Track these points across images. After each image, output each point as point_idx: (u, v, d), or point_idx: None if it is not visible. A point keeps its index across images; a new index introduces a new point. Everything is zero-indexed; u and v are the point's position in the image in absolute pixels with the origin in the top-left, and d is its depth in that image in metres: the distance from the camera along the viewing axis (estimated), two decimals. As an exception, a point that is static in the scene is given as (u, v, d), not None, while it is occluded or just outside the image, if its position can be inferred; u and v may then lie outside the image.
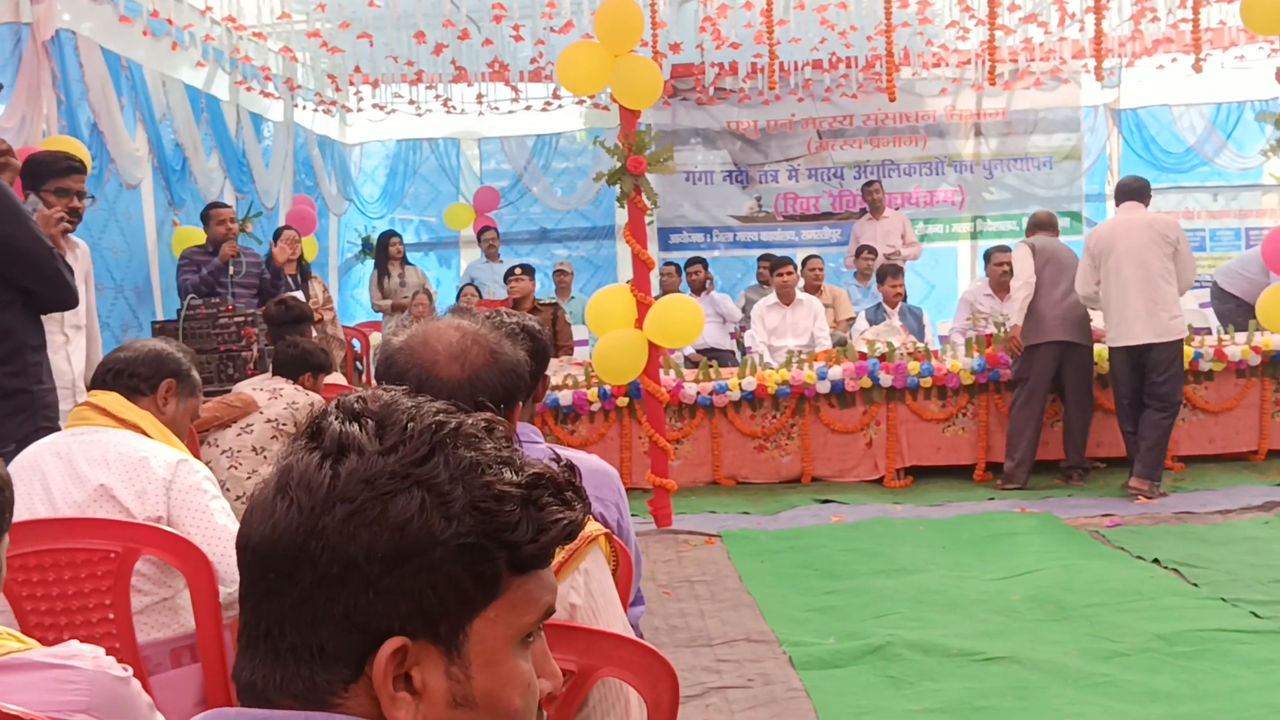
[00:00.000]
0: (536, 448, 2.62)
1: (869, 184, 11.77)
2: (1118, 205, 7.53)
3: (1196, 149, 13.08)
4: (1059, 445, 7.86)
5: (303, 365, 5.50)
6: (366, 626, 0.98)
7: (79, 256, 4.90)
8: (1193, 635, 4.64)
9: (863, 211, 12.06)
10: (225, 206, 7.86)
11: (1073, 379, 7.65)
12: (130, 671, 1.73)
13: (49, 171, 4.66)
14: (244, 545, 1.03)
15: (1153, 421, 7.22)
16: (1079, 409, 7.67)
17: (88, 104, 7.50)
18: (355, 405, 1.05)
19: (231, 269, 7.29)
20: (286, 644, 1.00)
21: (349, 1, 9.33)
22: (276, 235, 8.20)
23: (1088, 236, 7.52)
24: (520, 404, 2.05)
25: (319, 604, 0.98)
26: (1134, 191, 7.44)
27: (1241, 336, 7.94)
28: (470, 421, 1.05)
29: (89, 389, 2.98)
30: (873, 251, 10.92)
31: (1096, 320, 7.79)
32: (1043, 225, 7.97)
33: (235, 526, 2.74)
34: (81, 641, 1.80)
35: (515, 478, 1.02)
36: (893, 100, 8.61)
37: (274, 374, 5.54)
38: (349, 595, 0.97)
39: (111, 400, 2.90)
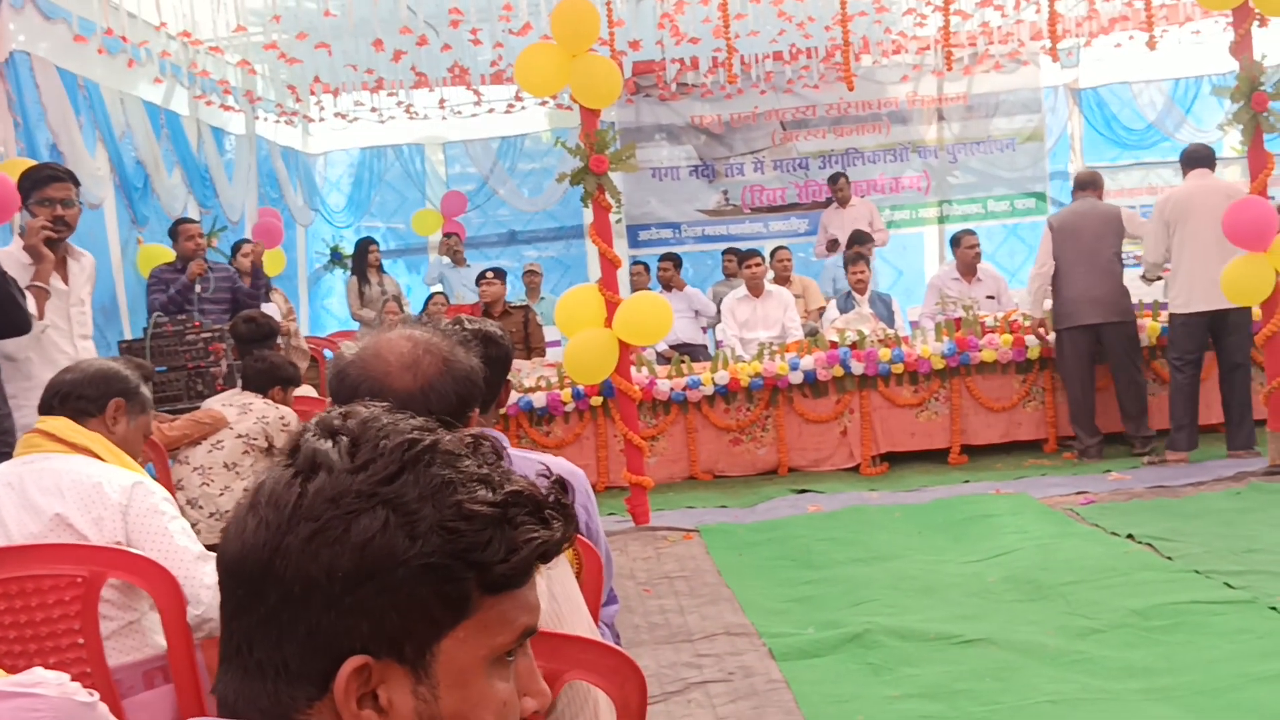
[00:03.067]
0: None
1: (835, 177, 11.75)
2: (1186, 173, 7.55)
3: (1157, 125, 13.17)
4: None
5: (271, 379, 5.48)
6: (329, 645, 0.98)
7: (84, 266, 4.95)
8: (1168, 609, 4.68)
9: (829, 201, 12.09)
10: (193, 222, 7.82)
11: (1117, 356, 7.68)
12: (96, 696, 1.72)
13: (31, 183, 4.75)
14: (219, 561, 1.03)
15: (1242, 384, 7.37)
16: (1129, 384, 7.70)
17: (46, 125, 7.43)
18: (334, 422, 1.04)
19: (199, 286, 7.23)
20: (254, 660, 1.00)
21: (305, 12, 9.29)
22: (234, 250, 8.20)
23: (1159, 203, 7.56)
24: (476, 411, 2.04)
25: (283, 622, 0.98)
26: (1203, 159, 7.48)
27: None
28: (450, 438, 1.04)
29: (40, 413, 2.96)
30: (835, 242, 10.97)
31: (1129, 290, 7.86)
32: (1082, 185, 8.03)
33: (197, 547, 2.73)
34: (52, 668, 1.79)
35: (490, 496, 1.00)
36: (851, 89, 8.66)
37: (243, 389, 5.52)
38: (311, 614, 0.97)
39: (60, 425, 2.88)
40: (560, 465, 2.72)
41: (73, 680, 1.73)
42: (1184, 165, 7.61)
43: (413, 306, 11.27)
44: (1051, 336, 7.89)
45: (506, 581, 1.02)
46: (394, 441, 1.01)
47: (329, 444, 1.01)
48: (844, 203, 11.58)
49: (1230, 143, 11.81)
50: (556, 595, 1.86)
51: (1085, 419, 7.73)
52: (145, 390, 3.06)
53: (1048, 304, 7.89)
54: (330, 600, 0.97)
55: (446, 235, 12.06)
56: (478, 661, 1.02)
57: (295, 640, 0.98)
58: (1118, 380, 7.74)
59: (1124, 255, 7.94)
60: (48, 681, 1.68)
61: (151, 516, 2.71)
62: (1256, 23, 6.87)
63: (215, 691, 1.04)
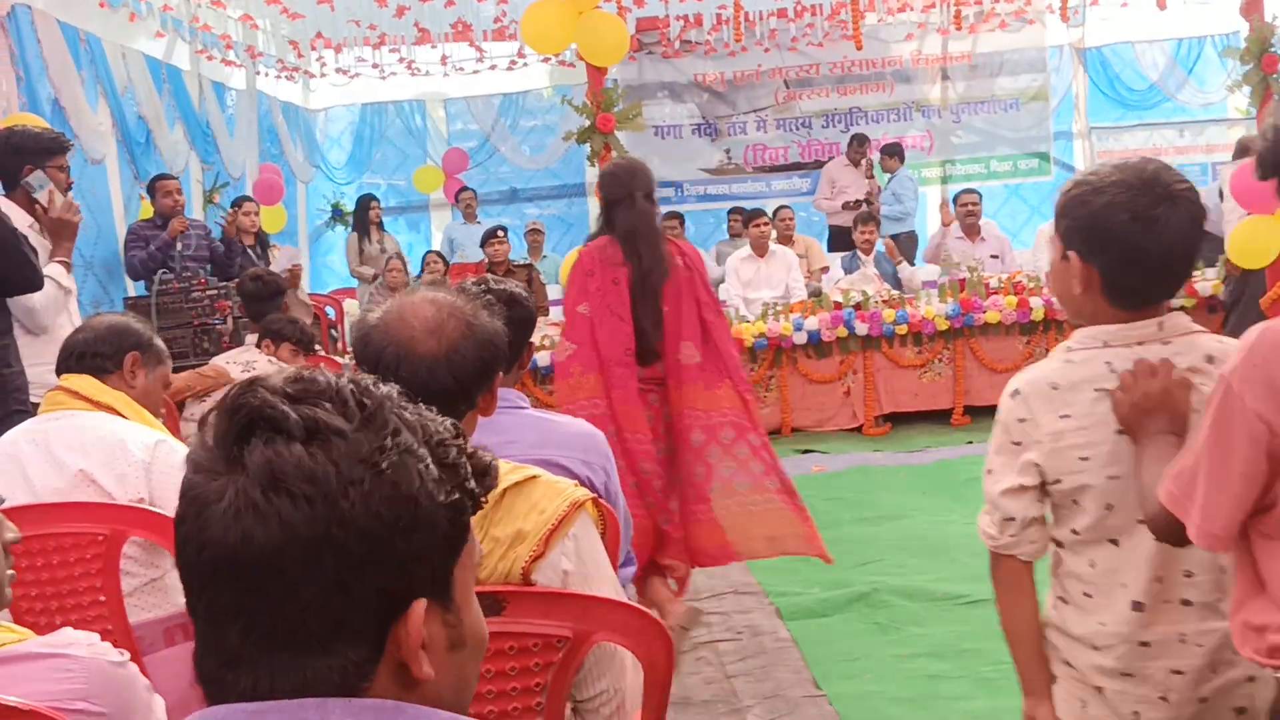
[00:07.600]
0: (523, 412, 2.63)
1: (861, 139, 11.44)
2: None
3: (1160, 85, 13.10)
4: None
5: (295, 337, 5.49)
6: (394, 599, 1.01)
7: None
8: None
9: (831, 158, 11.96)
10: (171, 178, 7.65)
11: None
12: (127, 656, 1.74)
13: (45, 149, 4.56)
14: (234, 561, 0.98)
15: None
16: None
17: (48, 79, 7.37)
18: (285, 389, 1.03)
19: (180, 244, 7.12)
20: (306, 641, 0.99)
21: (307, -34, 9.22)
22: (234, 207, 8.18)
23: None
24: (500, 373, 2.05)
25: (349, 588, 0.99)
26: None
27: (1212, 271, 7.97)
28: (380, 385, 1.08)
29: (57, 373, 2.96)
30: (859, 204, 10.90)
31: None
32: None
33: None
34: (74, 626, 1.81)
35: (441, 431, 1.08)
36: (860, 48, 8.59)
37: (265, 332, 5.54)
38: (378, 572, 1.00)
39: (84, 383, 2.88)
40: (580, 427, 2.73)
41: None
42: None
43: (412, 265, 11.21)
44: None
45: (476, 503, 1.09)
46: (368, 397, 1.04)
47: (311, 410, 1.01)
48: (856, 164, 11.44)
49: (1235, 104, 11.80)
50: (584, 557, 1.87)
51: None
52: (159, 342, 3.07)
53: None
54: (392, 554, 1.00)
55: (461, 191, 11.95)
56: (470, 580, 1.10)
57: (363, 603, 1.00)
58: None
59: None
60: (79, 642, 1.69)
61: (174, 474, 2.70)
62: (1268, -17, 6.84)
63: (222, 686, 1.00)
